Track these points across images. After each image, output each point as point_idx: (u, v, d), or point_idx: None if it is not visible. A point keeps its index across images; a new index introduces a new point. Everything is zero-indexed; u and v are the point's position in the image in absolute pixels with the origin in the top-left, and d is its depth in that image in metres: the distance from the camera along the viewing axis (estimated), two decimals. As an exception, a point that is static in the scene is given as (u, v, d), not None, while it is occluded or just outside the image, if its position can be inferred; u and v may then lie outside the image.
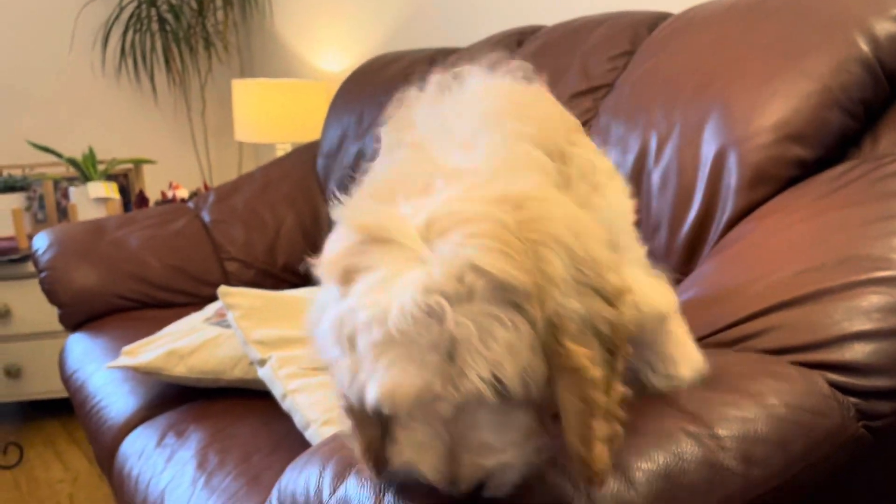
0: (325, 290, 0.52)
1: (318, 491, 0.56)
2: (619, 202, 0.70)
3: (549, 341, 0.47)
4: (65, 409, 2.60)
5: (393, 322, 0.45)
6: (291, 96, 2.65)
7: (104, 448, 1.29)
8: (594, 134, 1.31)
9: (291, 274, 1.98)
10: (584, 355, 0.47)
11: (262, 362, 1.11)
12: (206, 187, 2.98)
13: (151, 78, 3.14)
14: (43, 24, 3.00)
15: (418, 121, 0.66)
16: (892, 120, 0.97)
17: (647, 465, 0.53)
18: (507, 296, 0.45)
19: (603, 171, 0.68)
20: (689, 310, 0.85)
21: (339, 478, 0.56)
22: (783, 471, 0.58)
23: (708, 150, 1.09)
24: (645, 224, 1.17)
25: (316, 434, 0.98)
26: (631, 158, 1.22)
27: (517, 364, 0.45)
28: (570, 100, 1.39)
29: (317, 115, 2.48)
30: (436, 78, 0.72)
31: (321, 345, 0.53)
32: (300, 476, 0.61)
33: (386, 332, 0.45)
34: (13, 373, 2.46)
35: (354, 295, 0.48)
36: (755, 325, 0.73)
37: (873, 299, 0.71)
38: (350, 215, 0.51)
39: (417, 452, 0.49)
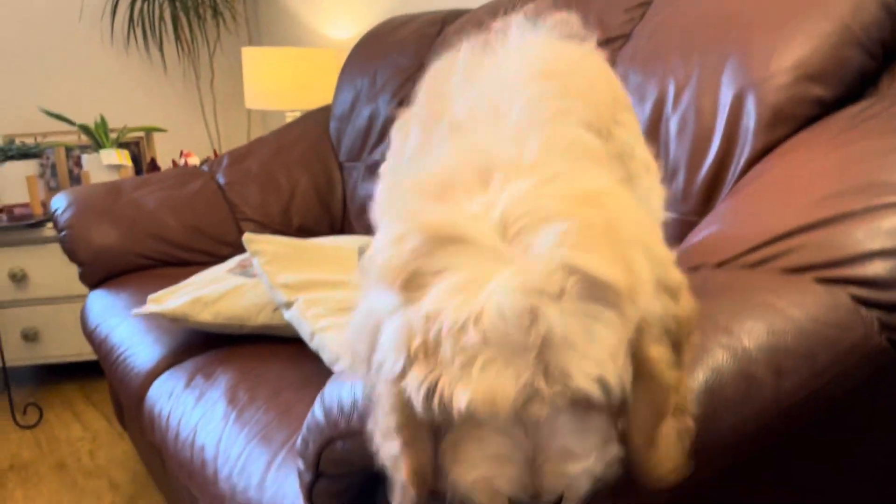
0: (378, 299, 0.48)
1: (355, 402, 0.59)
2: (651, 199, 0.68)
3: (636, 344, 0.46)
4: (82, 373, 2.64)
5: (489, 323, 0.42)
6: (301, 64, 2.66)
7: (132, 394, 1.32)
8: (611, 84, 1.33)
9: (306, 234, 2.00)
10: (663, 358, 0.46)
11: (289, 305, 1.14)
12: (216, 155, 3.00)
13: (160, 47, 3.15)
14: (52, -8, 3.00)
15: (455, 95, 0.61)
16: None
17: (691, 382, 0.55)
18: (605, 295, 0.44)
19: (641, 160, 0.67)
20: (709, 242, 0.88)
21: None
22: (811, 382, 0.60)
23: (726, 94, 1.11)
24: (664, 169, 1.19)
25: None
26: (649, 106, 1.23)
27: (618, 364, 0.44)
28: (586, 52, 1.40)
29: (326, 82, 2.49)
30: (469, 43, 0.67)
31: (363, 355, 0.50)
32: (343, 384, 0.63)
33: (481, 334, 0.42)
34: (31, 336, 2.50)
35: (433, 299, 0.44)
36: (777, 248, 0.75)
37: (894, 220, 0.73)
38: (407, 214, 0.47)
39: (495, 466, 0.46)
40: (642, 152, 0.67)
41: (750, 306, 0.65)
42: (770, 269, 0.74)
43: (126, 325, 1.49)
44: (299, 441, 0.69)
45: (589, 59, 0.68)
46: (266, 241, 1.22)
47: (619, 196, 0.50)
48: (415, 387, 0.45)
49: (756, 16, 1.10)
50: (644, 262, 0.46)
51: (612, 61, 1.36)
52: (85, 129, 2.69)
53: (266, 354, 1.23)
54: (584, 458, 0.46)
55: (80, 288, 2.46)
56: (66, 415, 2.37)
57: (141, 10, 3.08)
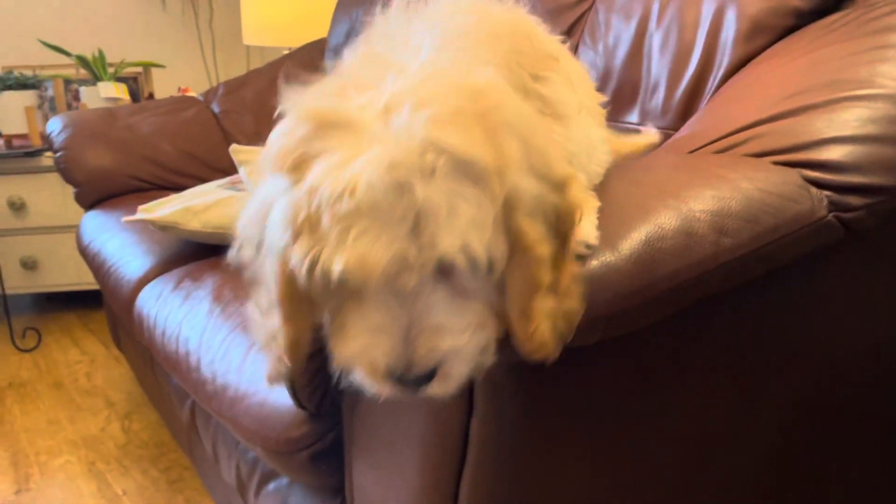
0: (270, 184, 0.52)
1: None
2: (584, 135, 0.69)
3: (507, 219, 0.48)
4: (81, 302, 2.69)
5: (361, 194, 0.45)
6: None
7: (123, 300, 1.36)
8: (600, 2, 1.33)
9: (300, 164, 2.02)
10: (535, 233, 0.49)
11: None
12: (211, 89, 3.00)
13: (159, -18, 3.13)
14: (49, -78, 2.97)
15: (376, 39, 0.64)
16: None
17: (631, 233, 0.58)
18: (470, 172, 0.46)
19: (570, 104, 0.67)
20: (678, 140, 0.90)
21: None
22: (751, 242, 0.63)
23: (708, 7, 1.12)
24: (645, 85, 1.20)
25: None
26: (633, 24, 1.24)
27: (483, 238, 0.46)
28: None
29: (324, 17, 2.48)
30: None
31: (253, 239, 0.55)
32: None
33: (354, 204, 0.45)
34: (29, 265, 2.54)
35: (314, 176, 0.47)
36: (739, 137, 0.77)
37: (854, 111, 0.74)
38: (298, 106, 0.50)
39: (372, 338, 0.49)
40: (570, 97, 0.68)
41: (701, 177, 0.67)
42: (732, 153, 0.77)
43: (118, 239, 1.53)
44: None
45: (516, 19, 0.71)
46: (251, 151, 1.24)
47: (503, 91, 0.52)
48: (299, 258, 0.48)
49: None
50: (516, 146, 0.49)
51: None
52: (83, 61, 2.69)
53: (252, 261, 1.26)
54: (457, 336, 0.49)
55: (78, 218, 2.50)
56: (64, 340, 2.42)
57: (139, -56, 3.05)
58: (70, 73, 2.90)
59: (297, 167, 0.49)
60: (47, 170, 2.49)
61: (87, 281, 2.55)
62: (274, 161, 0.50)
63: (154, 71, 2.99)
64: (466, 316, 0.50)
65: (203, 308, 1.10)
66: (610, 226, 0.59)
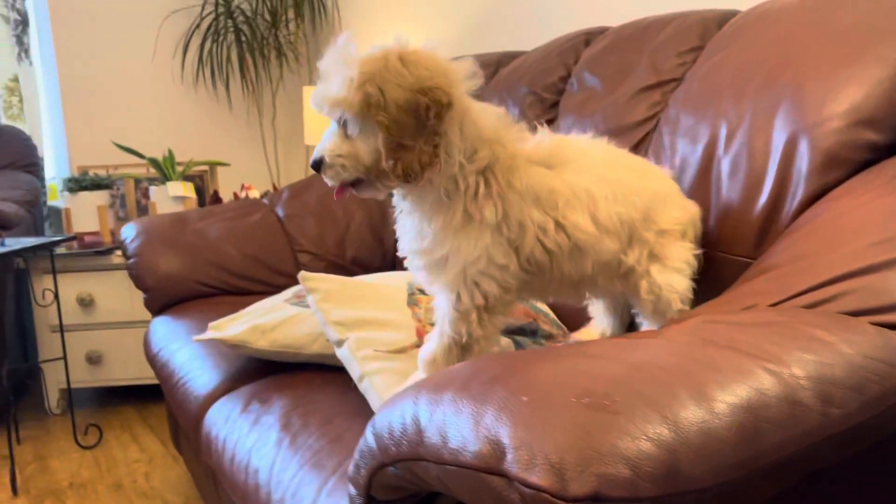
0: None
1: (416, 418, 0.61)
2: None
3: (364, 102, 0.89)
4: (140, 396, 2.73)
5: (323, 65, 0.93)
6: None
7: (190, 417, 1.37)
8: (664, 124, 1.35)
9: (360, 267, 2.06)
10: (380, 116, 0.88)
11: (340, 343, 1.17)
12: (275, 188, 3.10)
13: (227, 86, 3.30)
14: (128, 33, 3.18)
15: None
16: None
17: (730, 398, 0.56)
18: (361, 62, 0.91)
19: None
20: (762, 284, 0.88)
21: (435, 403, 0.60)
22: (860, 413, 0.60)
23: (779, 137, 1.11)
24: (715, 209, 1.19)
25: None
26: (700, 147, 1.25)
27: (339, 98, 0.90)
28: (638, 93, 1.43)
29: None
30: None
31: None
32: (393, 410, 0.66)
33: (321, 70, 0.93)
34: (94, 359, 2.61)
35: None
36: (828, 291, 0.75)
37: (949, 266, 0.72)
38: None
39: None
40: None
41: (799, 340, 0.65)
42: (824, 310, 0.74)
43: (186, 350, 1.55)
44: (351, 467, 0.72)
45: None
46: (320, 278, 1.26)
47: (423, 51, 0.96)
48: None
49: (810, 59, 1.11)
50: (381, 73, 0.90)
51: (664, 104, 1.39)
52: (154, 162, 2.82)
53: (319, 382, 1.26)
54: (326, 151, 0.95)
55: (142, 314, 2.57)
56: (124, 436, 2.45)
57: (210, 51, 3.24)
58: (140, 172, 3.04)
59: None
60: (116, 267, 2.58)
61: (146, 375, 2.60)
62: None
63: (219, 168, 3.12)
64: (339, 147, 0.93)
65: (272, 437, 1.09)
66: (707, 386, 0.57)
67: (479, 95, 1.94)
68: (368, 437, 0.68)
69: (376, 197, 1.00)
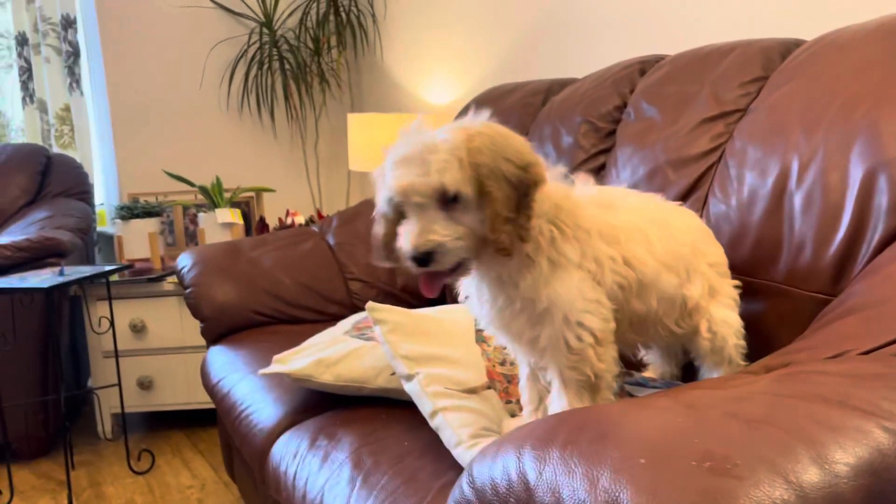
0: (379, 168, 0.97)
1: (522, 474, 0.61)
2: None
3: (475, 176, 0.88)
4: (189, 421, 2.76)
5: (402, 155, 0.90)
6: (400, 127, 2.77)
7: (255, 449, 1.38)
8: (729, 156, 1.33)
9: (410, 294, 2.06)
10: (492, 186, 0.88)
11: (410, 377, 1.17)
12: (319, 214, 3.14)
13: (271, 113, 3.35)
14: (177, 63, 3.26)
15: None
16: None
17: (852, 459, 0.54)
18: (454, 150, 0.88)
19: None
20: (852, 327, 0.86)
21: (542, 460, 0.60)
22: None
23: (856, 171, 1.09)
24: (787, 244, 1.18)
25: (465, 453, 1.03)
26: (770, 181, 1.23)
27: (453, 178, 0.87)
28: (700, 125, 1.42)
29: None
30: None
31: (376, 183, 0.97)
32: (495, 464, 0.65)
33: (398, 159, 0.90)
34: (146, 385, 2.64)
35: (388, 152, 0.93)
36: (932, 338, 0.73)
37: None
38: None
39: (406, 235, 0.89)
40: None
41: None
42: (924, 360, 0.72)
43: (247, 382, 1.57)
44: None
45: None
46: (388, 310, 1.27)
47: (494, 126, 0.93)
48: (378, 198, 0.95)
49: (883, 95, 1.09)
50: (483, 145, 0.89)
51: (728, 135, 1.37)
52: (203, 189, 2.87)
53: (385, 417, 1.26)
54: (443, 236, 0.88)
55: (192, 339, 2.61)
56: (175, 461, 2.47)
57: (255, 79, 3.30)
58: (188, 198, 3.10)
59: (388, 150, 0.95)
60: (167, 294, 2.62)
61: (197, 400, 2.63)
62: (384, 149, 0.95)
63: (264, 195, 3.16)
64: (452, 229, 0.89)
65: (344, 476, 1.10)
66: (827, 447, 0.55)
67: (534, 123, 1.95)
68: (466, 491, 0.68)
69: (465, 277, 0.99)
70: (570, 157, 1.71)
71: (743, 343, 1.11)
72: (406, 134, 0.92)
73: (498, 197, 0.88)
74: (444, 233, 0.88)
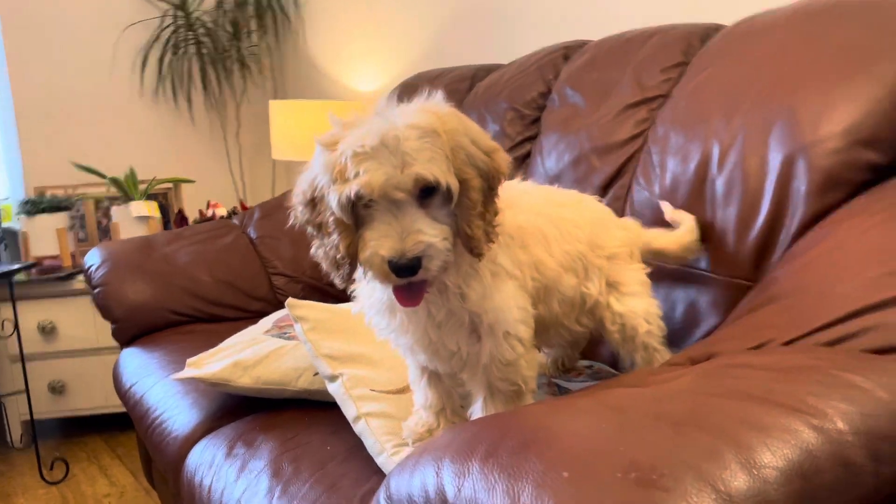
0: (316, 157, 0.82)
1: (440, 491, 0.57)
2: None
3: (453, 161, 0.79)
4: (106, 425, 2.62)
5: (369, 145, 0.76)
6: (325, 115, 2.68)
7: (170, 460, 1.30)
8: (652, 143, 1.32)
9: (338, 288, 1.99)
10: (470, 174, 0.80)
11: (333, 378, 1.12)
12: (242, 205, 3.02)
13: (188, 99, 3.20)
14: (84, 48, 3.06)
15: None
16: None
17: (781, 463, 0.52)
18: (430, 135, 0.77)
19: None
20: (773, 316, 0.86)
21: (461, 476, 0.56)
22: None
23: (775, 157, 1.10)
24: (710, 230, 1.17)
25: (388, 461, 0.98)
26: (692, 167, 1.23)
27: (439, 168, 0.77)
28: (623, 111, 1.40)
29: None
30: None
31: (306, 189, 0.83)
32: (413, 478, 0.61)
33: (364, 150, 0.76)
34: (57, 389, 2.49)
35: (343, 144, 0.78)
36: (850, 327, 0.73)
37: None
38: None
39: (379, 241, 0.77)
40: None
41: (838, 387, 0.62)
42: (848, 348, 0.72)
43: (162, 386, 1.48)
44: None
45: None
46: (308, 306, 1.21)
47: (459, 114, 0.83)
48: (336, 194, 0.78)
49: (804, 77, 1.10)
50: (459, 127, 0.80)
51: (651, 121, 1.36)
52: (115, 182, 2.72)
53: (307, 420, 1.20)
54: (432, 237, 0.78)
55: (107, 340, 2.47)
56: (91, 469, 2.34)
57: (170, 64, 3.14)
58: (102, 191, 2.93)
59: (333, 143, 0.80)
60: (78, 293, 2.47)
61: (113, 404, 2.50)
62: (320, 143, 0.81)
63: (183, 186, 3.02)
64: (437, 227, 0.79)
65: (262, 486, 1.04)
66: (755, 451, 0.53)
67: (461, 110, 1.91)
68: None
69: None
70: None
71: (657, 326, 1.07)
72: (361, 121, 0.79)
73: (475, 186, 0.80)
74: (432, 233, 0.77)
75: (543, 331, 1.01)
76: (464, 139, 0.80)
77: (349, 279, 0.86)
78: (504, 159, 0.84)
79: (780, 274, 0.97)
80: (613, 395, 0.67)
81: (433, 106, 0.81)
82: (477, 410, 0.94)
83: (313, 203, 0.83)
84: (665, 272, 1.22)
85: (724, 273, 1.15)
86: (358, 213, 0.80)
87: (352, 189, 0.76)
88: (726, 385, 0.64)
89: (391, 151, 0.76)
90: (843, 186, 1.01)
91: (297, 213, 0.87)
